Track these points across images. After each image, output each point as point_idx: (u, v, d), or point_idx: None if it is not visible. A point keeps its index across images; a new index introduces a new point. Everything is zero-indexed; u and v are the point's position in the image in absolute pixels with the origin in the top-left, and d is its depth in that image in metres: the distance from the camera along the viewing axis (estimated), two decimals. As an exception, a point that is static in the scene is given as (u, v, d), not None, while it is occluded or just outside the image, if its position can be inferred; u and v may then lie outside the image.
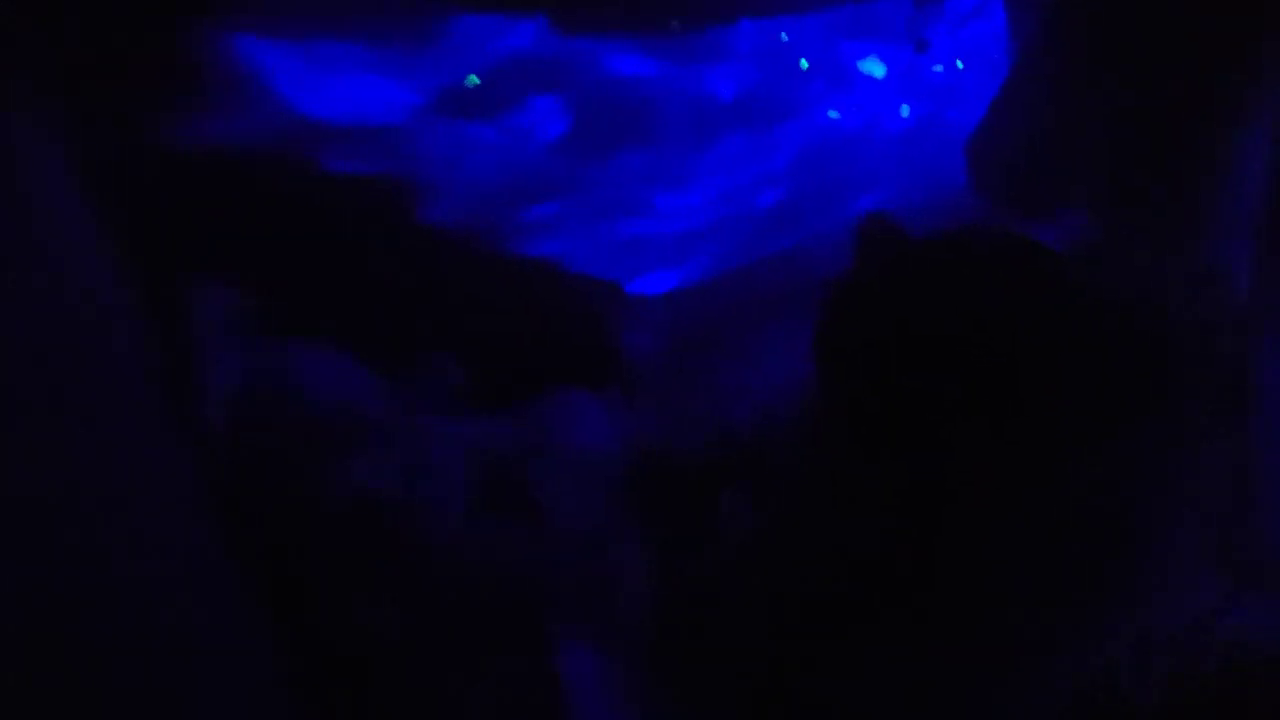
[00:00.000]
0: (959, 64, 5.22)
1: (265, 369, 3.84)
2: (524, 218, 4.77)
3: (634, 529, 3.94)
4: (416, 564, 3.72)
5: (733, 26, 4.90)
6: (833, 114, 5.39)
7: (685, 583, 3.67)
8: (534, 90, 4.64)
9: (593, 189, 4.84)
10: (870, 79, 5.37)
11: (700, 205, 5.13)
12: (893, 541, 2.93)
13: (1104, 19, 3.70)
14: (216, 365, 3.73)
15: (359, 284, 4.16)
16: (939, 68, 5.30)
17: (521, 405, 4.30)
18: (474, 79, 4.47)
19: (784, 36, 5.18)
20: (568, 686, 3.57)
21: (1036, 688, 3.06)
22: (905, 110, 5.40)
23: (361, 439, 3.80)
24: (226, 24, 4.05)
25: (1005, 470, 2.77)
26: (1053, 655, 2.99)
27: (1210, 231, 3.20)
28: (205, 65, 3.99)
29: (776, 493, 3.54)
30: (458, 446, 4.07)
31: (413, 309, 4.29)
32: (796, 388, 3.58)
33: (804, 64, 5.18)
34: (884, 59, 5.35)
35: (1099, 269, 2.94)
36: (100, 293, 3.40)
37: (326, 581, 3.68)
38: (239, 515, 3.55)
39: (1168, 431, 2.89)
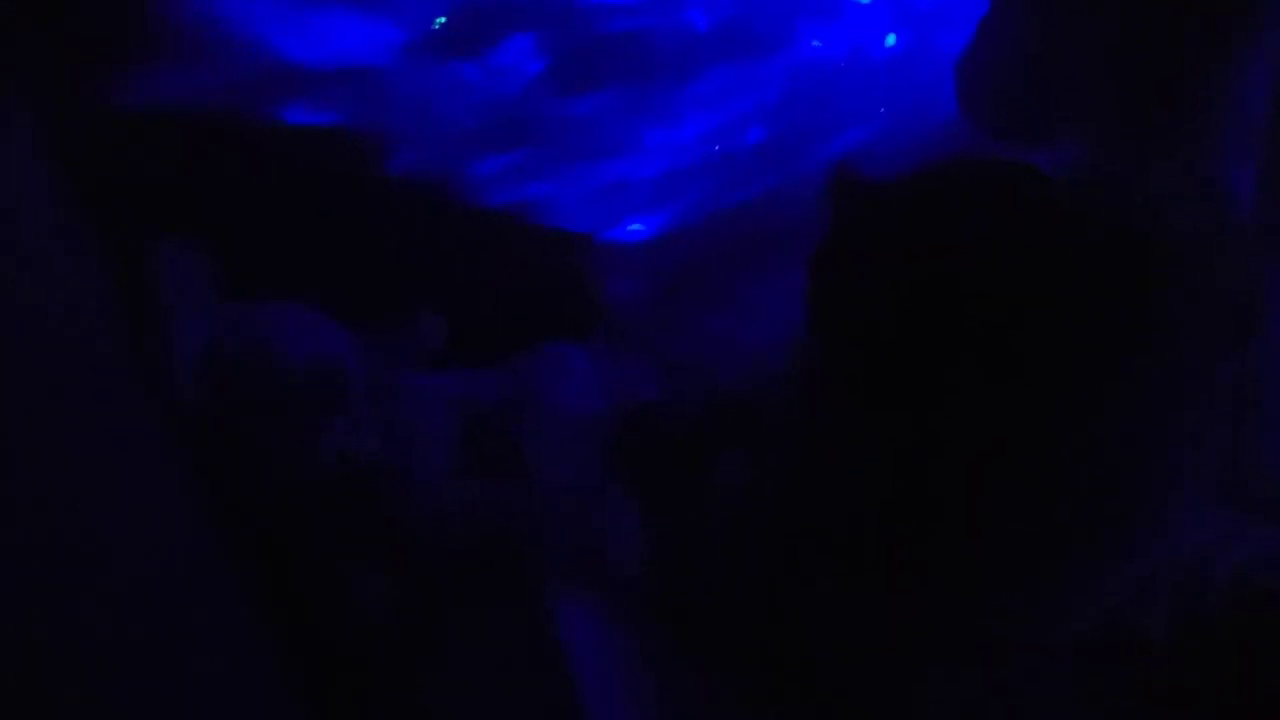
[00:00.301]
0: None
1: (236, 332, 3.72)
2: (502, 163, 4.61)
3: (624, 483, 3.87)
4: (403, 523, 3.65)
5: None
6: (816, 43, 5.22)
7: (679, 536, 3.61)
8: (512, 28, 4.45)
9: (574, 129, 4.68)
10: (855, 5, 5.19)
11: (685, 143, 4.97)
12: (894, 485, 2.85)
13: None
14: (186, 330, 3.61)
15: (330, 240, 4.03)
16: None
17: (504, 359, 4.20)
18: (441, 20, 4.30)
19: None
20: (563, 642, 3.53)
21: (1043, 627, 3.01)
22: (891, 39, 5.23)
23: (340, 399, 3.71)
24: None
25: (1007, 406, 2.68)
26: (1058, 594, 2.93)
27: (1210, 149, 3.09)
28: (169, 14, 3.81)
29: (770, 445, 3.46)
30: (440, 403, 3.98)
31: (387, 263, 4.17)
32: (784, 335, 3.49)
33: None
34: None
35: (1095, 193, 2.82)
36: (61, 261, 3.29)
37: (312, 545, 3.62)
38: (217, 482, 3.47)
39: (1171, 356, 2.79)
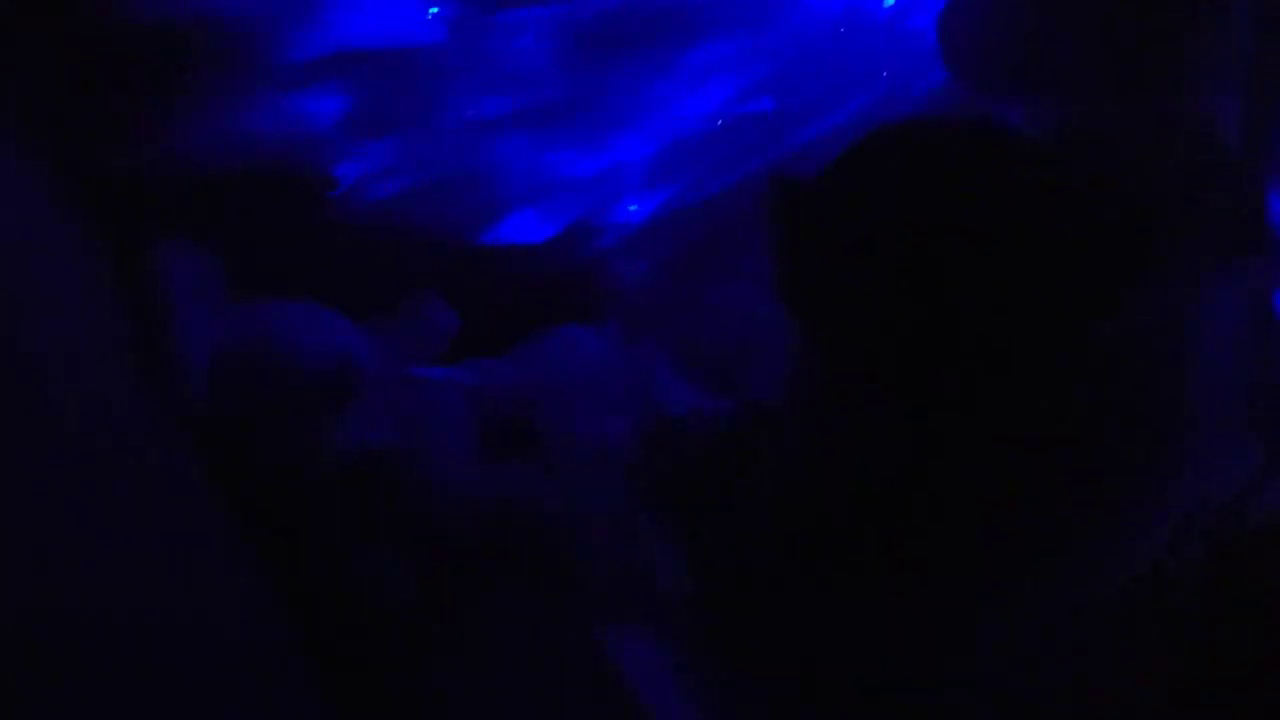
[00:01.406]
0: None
1: (247, 331, 3.75)
2: (508, 145, 4.58)
3: (647, 473, 3.86)
4: (423, 512, 3.66)
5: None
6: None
7: (705, 531, 3.59)
8: (509, 4, 4.42)
9: (578, 104, 4.64)
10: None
11: (686, 117, 4.93)
12: (911, 456, 2.83)
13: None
14: (196, 331, 3.64)
15: (336, 234, 4.05)
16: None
17: (517, 346, 4.20)
18: (434, 10, 4.31)
19: None
20: (587, 630, 3.53)
21: (1076, 581, 2.97)
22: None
23: (354, 392, 3.72)
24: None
25: (1013, 362, 2.65)
26: (1090, 543, 2.90)
27: (1195, 85, 3.03)
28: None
29: (784, 430, 3.44)
30: (454, 392, 3.99)
31: (394, 256, 4.18)
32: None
33: None
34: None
35: (1078, 142, 2.77)
36: (66, 264, 3.32)
37: (332, 538, 3.63)
38: (233, 479, 3.49)
39: (1177, 291, 2.75)
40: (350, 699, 3.36)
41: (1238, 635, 3.14)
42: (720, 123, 5.02)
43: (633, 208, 4.94)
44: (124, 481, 3.07)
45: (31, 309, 2.99)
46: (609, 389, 4.20)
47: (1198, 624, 3.16)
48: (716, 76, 4.77)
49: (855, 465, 2.89)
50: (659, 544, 3.59)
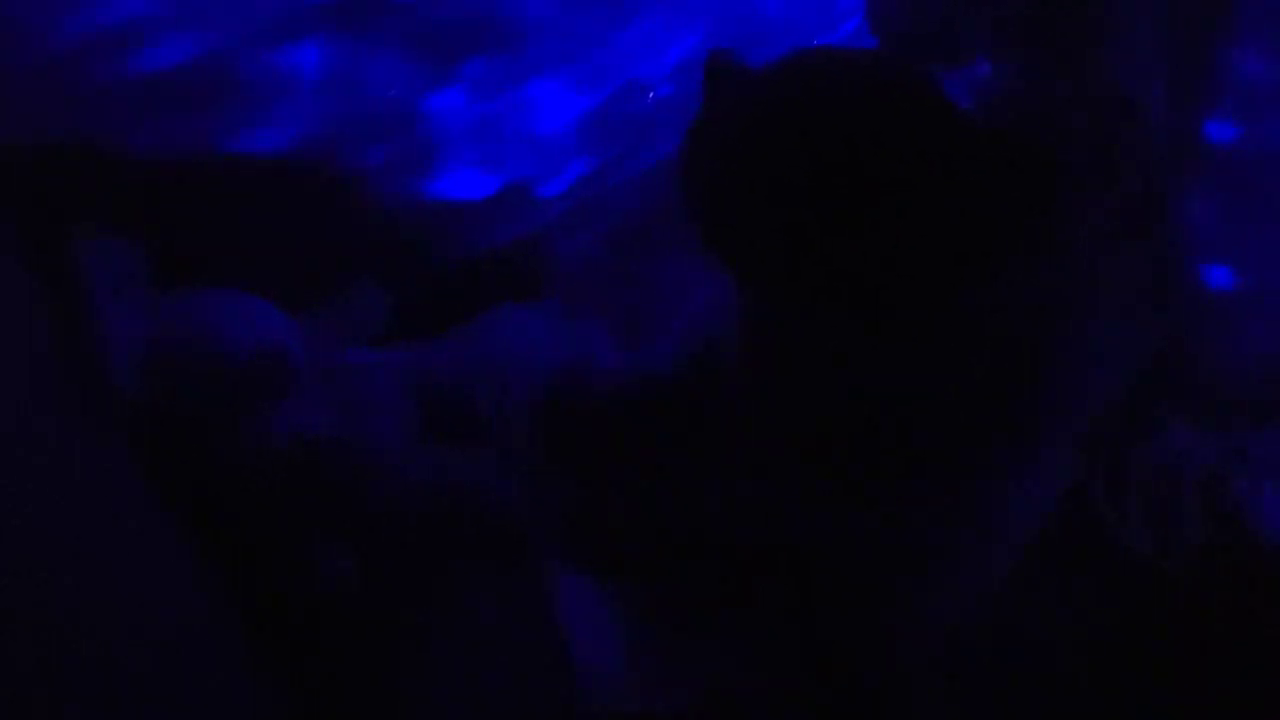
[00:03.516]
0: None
1: (173, 323, 3.73)
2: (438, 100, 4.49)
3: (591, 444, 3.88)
4: (364, 499, 3.68)
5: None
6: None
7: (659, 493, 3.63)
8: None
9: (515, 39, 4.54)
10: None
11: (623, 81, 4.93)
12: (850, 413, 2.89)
13: None
14: (120, 325, 3.62)
15: (260, 218, 4.02)
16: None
17: (455, 326, 4.21)
18: None
19: None
20: (544, 610, 3.57)
21: (1002, 533, 3.07)
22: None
23: (287, 381, 3.72)
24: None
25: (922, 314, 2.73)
26: (1011, 501, 3.00)
27: (1118, 60, 3.13)
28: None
29: (737, 391, 3.50)
30: (390, 375, 4.00)
31: (320, 239, 4.16)
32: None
33: None
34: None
35: (992, 105, 2.86)
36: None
37: (272, 529, 3.65)
38: (167, 475, 3.49)
39: (1074, 252, 2.85)
40: (300, 689, 3.41)
41: (1182, 596, 3.28)
42: (651, 95, 5.03)
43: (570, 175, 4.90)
44: (55, 482, 3.06)
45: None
46: (549, 366, 4.22)
47: (1142, 584, 3.30)
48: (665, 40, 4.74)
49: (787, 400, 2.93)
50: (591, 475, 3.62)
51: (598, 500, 3.25)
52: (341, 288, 4.11)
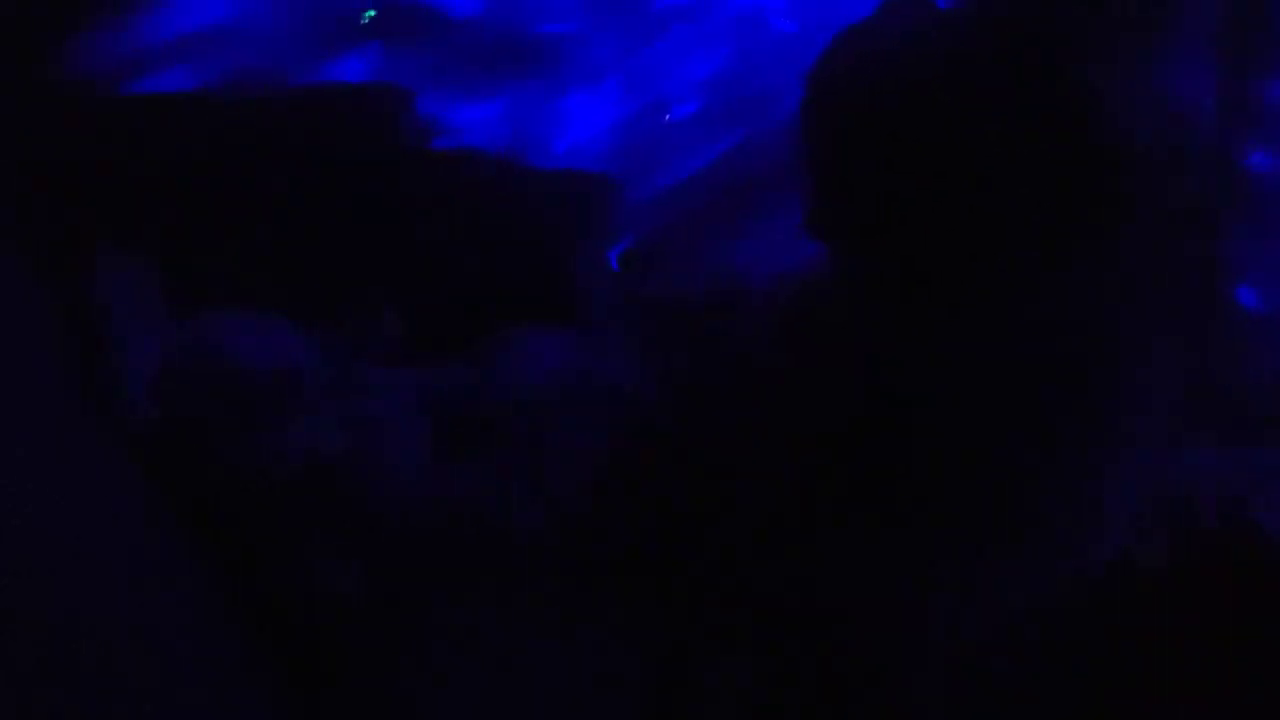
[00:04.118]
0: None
1: (191, 344, 3.80)
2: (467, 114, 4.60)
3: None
4: (376, 515, 3.71)
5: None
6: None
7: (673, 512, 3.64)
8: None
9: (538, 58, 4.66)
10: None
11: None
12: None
13: None
14: (139, 346, 3.68)
15: (280, 240, 4.09)
16: None
17: (469, 345, 4.24)
18: (371, 13, 4.36)
19: None
20: (546, 626, 3.58)
21: (1034, 552, 3.07)
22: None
23: (301, 399, 3.77)
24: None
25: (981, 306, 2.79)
26: (1047, 515, 3.01)
27: (1173, 61, 3.16)
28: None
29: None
30: (405, 394, 4.04)
31: (340, 260, 4.22)
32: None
33: None
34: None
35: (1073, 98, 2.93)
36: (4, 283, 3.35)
37: (286, 544, 3.68)
38: (183, 491, 3.53)
39: (1131, 256, 2.89)
40: (309, 703, 3.42)
41: (1202, 616, 3.24)
42: (668, 117, 5.08)
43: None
44: (74, 498, 3.11)
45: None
46: (577, 395, 4.21)
47: (1164, 607, 3.26)
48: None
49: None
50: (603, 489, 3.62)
51: None
52: (356, 306, 4.15)
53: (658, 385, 4.08)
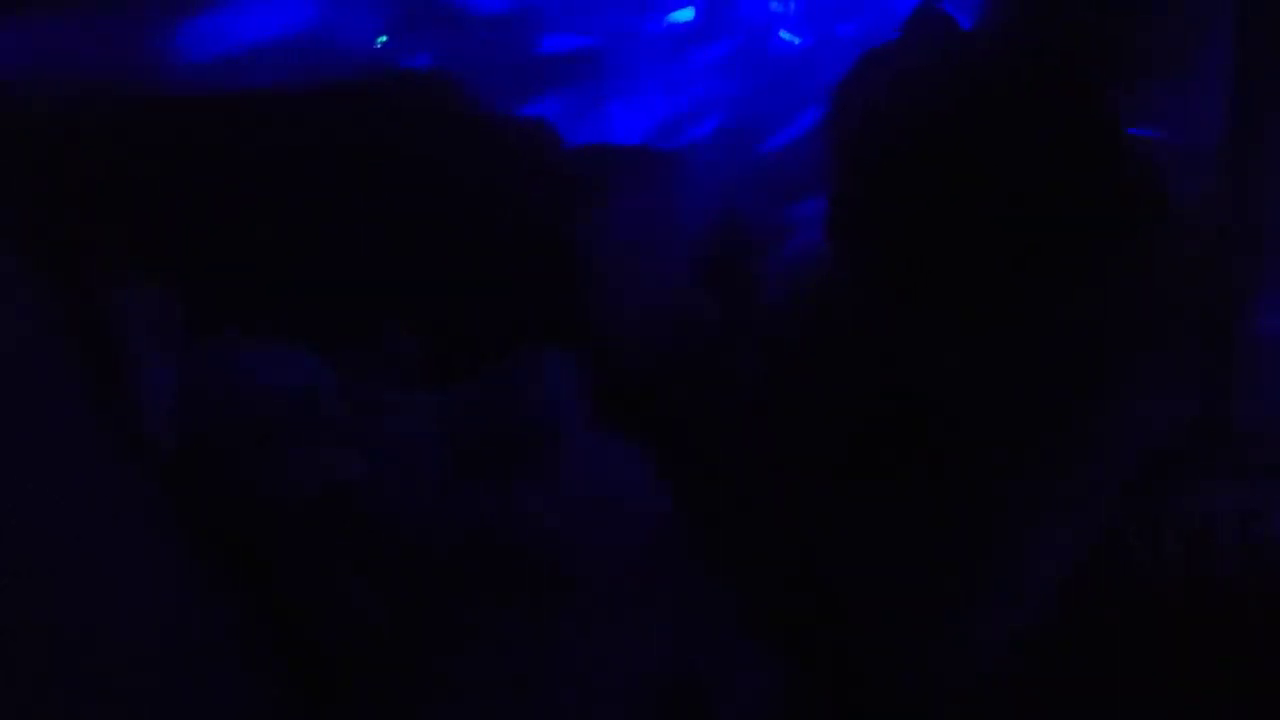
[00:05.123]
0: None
1: (209, 372, 3.80)
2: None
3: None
4: (397, 541, 3.69)
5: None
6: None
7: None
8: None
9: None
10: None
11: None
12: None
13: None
14: (156, 375, 3.68)
15: (291, 264, 4.10)
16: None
17: (488, 367, 4.24)
18: (383, 38, 4.41)
19: None
20: (572, 648, 3.55)
21: (1038, 556, 3.04)
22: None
23: (320, 425, 3.76)
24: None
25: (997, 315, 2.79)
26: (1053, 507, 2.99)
27: (1190, 93, 3.20)
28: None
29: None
30: (426, 420, 4.03)
31: (355, 282, 4.23)
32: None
33: None
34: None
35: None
36: (18, 312, 3.36)
37: (308, 578, 3.65)
38: (202, 522, 3.53)
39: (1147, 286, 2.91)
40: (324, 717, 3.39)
41: (1212, 636, 3.20)
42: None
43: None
44: (89, 523, 3.10)
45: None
46: (594, 414, 4.21)
47: (1172, 624, 3.22)
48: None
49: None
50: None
51: None
52: (374, 330, 4.16)
53: (674, 405, 4.06)
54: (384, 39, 4.42)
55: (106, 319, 3.60)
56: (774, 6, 5.33)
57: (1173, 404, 3.08)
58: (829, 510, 2.97)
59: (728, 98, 5.07)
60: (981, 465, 2.86)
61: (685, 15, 5.26)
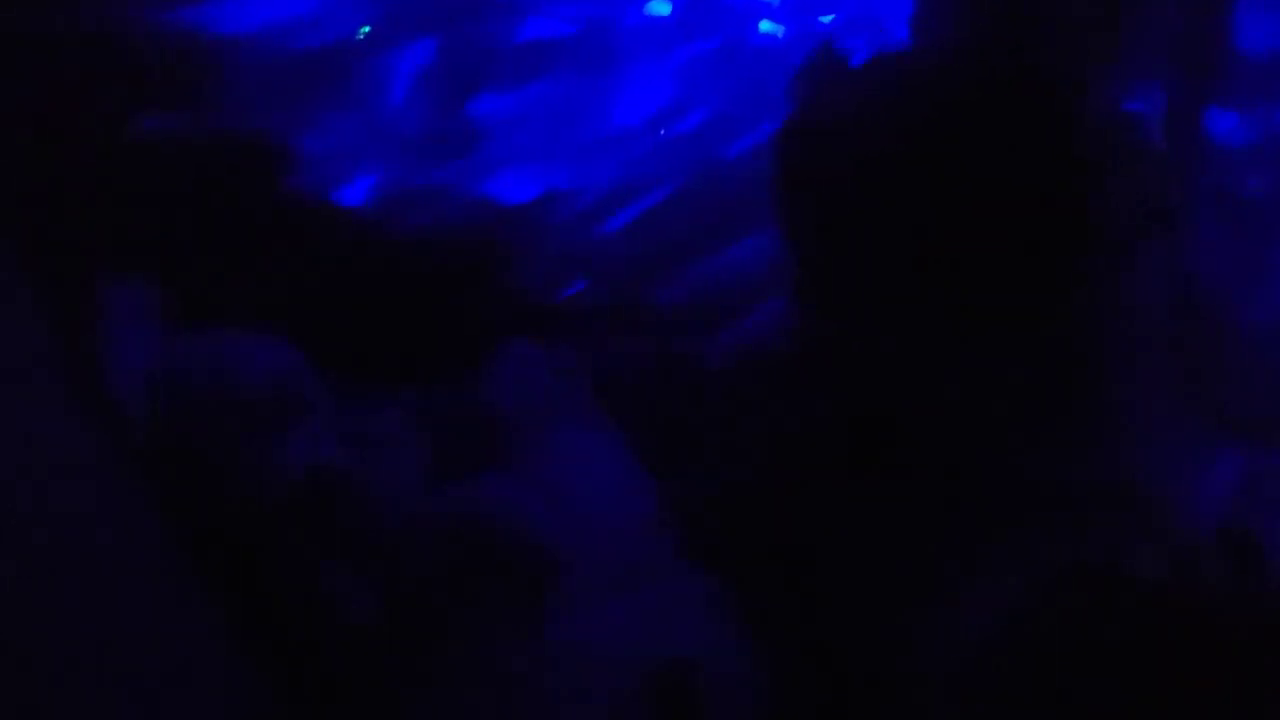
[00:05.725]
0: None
1: (187, 361, 3.78)
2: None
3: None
4: (379, 535, 3.69)
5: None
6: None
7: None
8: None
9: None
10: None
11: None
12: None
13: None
14: (134, 362, 3.66)
15: (272, 256, 4.09)
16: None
17: (467, 361, 4.25)
18: (366, 29, 4.39)
19: None
20: (561, 643, 3.56)
21: (1035, 555, 3.08)
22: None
23: (300, 415, 3.75)
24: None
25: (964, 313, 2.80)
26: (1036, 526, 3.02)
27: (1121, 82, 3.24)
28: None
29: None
30: (406, 411, 4.03)
31: (335, 278, 4.22)
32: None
33: None
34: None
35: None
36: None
37: (287, 563, 3.65)
38: (182, 511, 3.51)
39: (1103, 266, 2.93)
40: (310, 713, 3.38)
41: (1195, 632, 3.24)
42: (662, 132, 5.15)
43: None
44: (69, 513, 3.08)
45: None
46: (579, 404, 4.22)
47: (1153, 618, 3.27)
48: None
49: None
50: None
51: None
52: (356, 323, 4.15)
53: (654, 391, 4.10)
54: (366, 29, 4.39)
55: (89, 307, 3.58)
56: None
57: (1158, 406, 3.12)
58: (814, 501, 2.99)
59: (710, 90, 5.07)
60: (966, 465, 2.89)
61: (663, 9, 5.26)
